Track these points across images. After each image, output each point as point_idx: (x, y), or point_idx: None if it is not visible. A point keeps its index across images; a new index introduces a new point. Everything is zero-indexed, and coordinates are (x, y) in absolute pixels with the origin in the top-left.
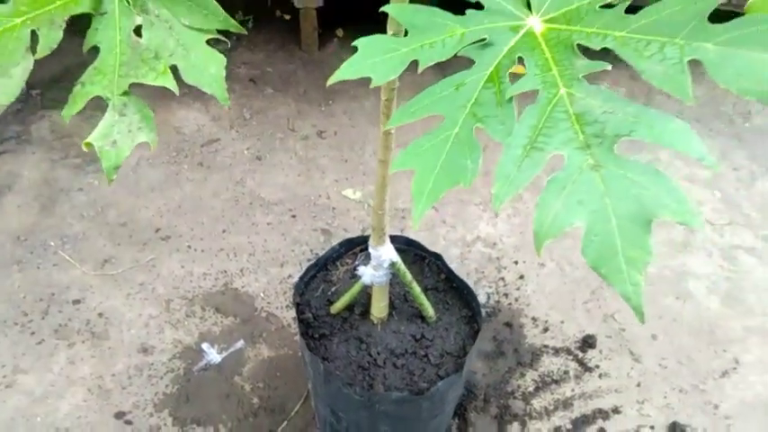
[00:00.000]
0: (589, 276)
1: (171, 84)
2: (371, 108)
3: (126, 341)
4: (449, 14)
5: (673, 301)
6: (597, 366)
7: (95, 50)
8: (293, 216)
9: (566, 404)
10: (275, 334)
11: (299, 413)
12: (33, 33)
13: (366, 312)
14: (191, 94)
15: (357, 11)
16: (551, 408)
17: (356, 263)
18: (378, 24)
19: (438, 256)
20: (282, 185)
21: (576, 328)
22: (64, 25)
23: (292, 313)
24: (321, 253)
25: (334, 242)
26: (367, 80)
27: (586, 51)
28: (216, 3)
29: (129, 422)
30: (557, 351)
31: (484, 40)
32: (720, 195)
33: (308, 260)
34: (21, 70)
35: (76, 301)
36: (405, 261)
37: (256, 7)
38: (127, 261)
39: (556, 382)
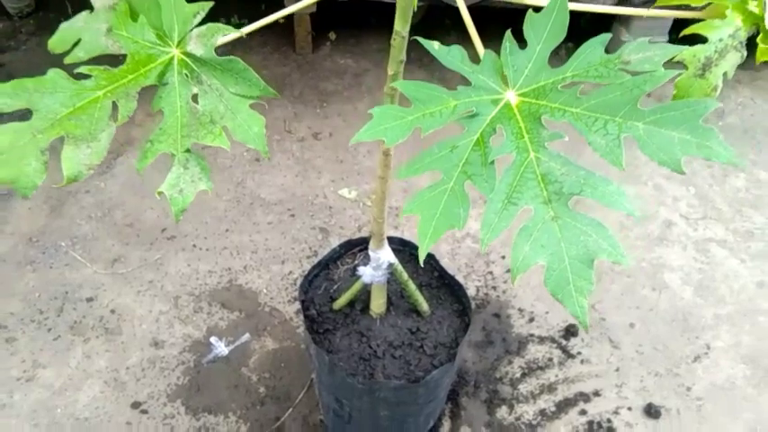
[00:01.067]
0: None
1: (225, 144)
2: (364, 110)
3: (138, 336)
4: (444, 89)
5: (649, 292)
6: (579, 353)
7: (161, 113)
8: (292, 215)
9: (550, 388)
10: (279, 327)
11: (304, 401)
12: (114, 104)
13: (366, 308)
14: None
15: (348, 15)
16: (537, 392)
17: (355, 262)
18: (368, 28)
19: (431, 255)
20: (281, 186)
21: (560, 318)
22: (137, 96)
23: (294, 308)
24: (319, 250)
25: (332, 240)
26: (359, 83)
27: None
28: (256, 75)
29: (144, 411)
30: (542, 339)
31: (472, 111)
32: (695, 191)
33: (308, 257)
34: (106, 135)
35: (89, 299)
36: (400, 260)
37: (251, 11)
38: (135, 260)
39: (541, 368)
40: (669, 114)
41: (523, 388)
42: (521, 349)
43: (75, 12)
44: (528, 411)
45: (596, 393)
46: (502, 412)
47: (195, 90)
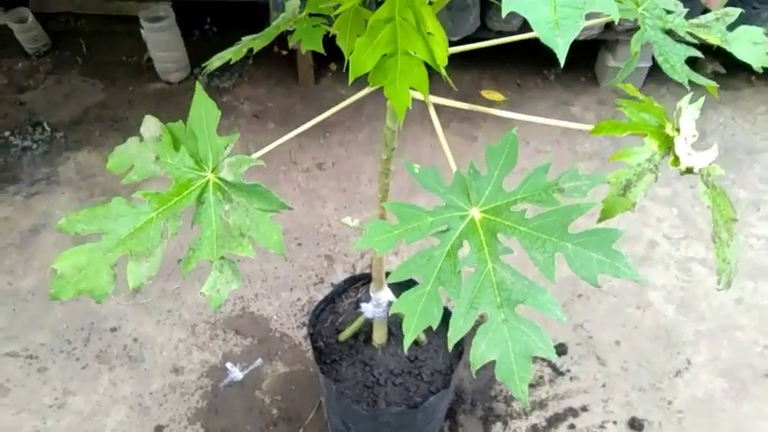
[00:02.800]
0: (560, 291)
1: (252, 254)
2: (365, 139)
3: (160, 363)
4: (423, 208)
5: (634, 311)
6: (568, 371)
7: (199, 226)
8: (299, 244)
9: (541, 405)
10: (289, 352)
11: (313, 421)
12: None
13: (369, 339)
14: None
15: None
16: (529, 408)
17: (359, 296)
18: None
19: None
20: (288, 215)
21: (550, 337)
22: (182, 216)
23: (303, 332)
24: (325, 277)
25: (337, 267)
26: (359, 113)
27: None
28: (275, 194)
29: None
30: (533, 358)
31: (445, 226)
32: (677, 212)
33: (314, 284)
34: (159, 250)
35: (113, 329)
36: (398, 294)
37: None
38: (155, 290)
39: (532, 385)
40: (590, 239)
41: (516, 405)
42: None
43: (90, 49)
44: (521, 427)
45: (584, 408)
46: (497, 428)
47: (227, 207)
